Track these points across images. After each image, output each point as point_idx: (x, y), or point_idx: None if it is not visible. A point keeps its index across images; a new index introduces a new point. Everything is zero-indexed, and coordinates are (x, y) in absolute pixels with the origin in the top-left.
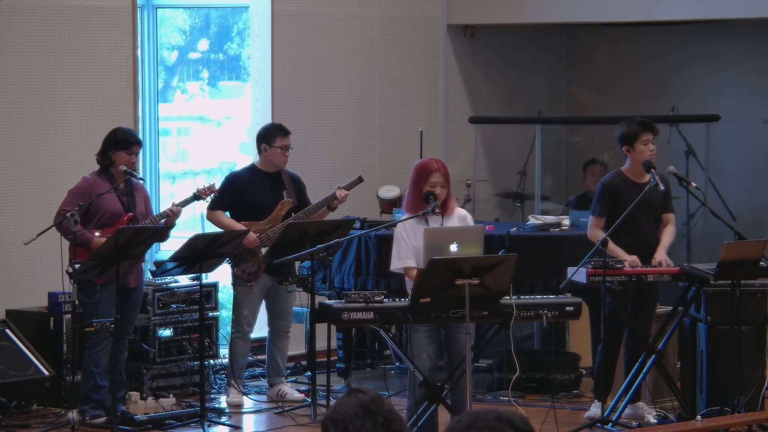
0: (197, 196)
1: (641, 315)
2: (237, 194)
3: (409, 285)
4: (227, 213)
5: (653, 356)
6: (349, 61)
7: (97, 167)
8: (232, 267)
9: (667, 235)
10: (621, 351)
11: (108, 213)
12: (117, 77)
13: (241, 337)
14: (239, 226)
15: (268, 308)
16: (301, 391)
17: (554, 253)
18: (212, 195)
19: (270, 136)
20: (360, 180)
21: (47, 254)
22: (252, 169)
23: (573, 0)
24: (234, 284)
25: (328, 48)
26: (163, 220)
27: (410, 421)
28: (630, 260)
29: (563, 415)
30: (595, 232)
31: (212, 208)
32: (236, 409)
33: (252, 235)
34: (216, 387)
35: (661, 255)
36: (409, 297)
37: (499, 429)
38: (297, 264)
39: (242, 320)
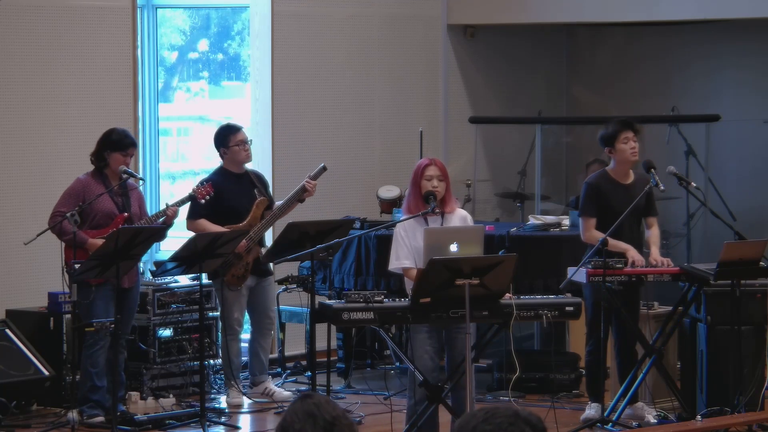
0: (193, 197)
1: (629, 316)
2: (216, 200)
3: (408, 285)
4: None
5: (653, 356)
6: (349, 61)
7: (92, 168)
8: (221, 274)
9: (657, 238)
10: (611, 352)
11: (101, 213)
12: (117, 77)
13: (234, 338)
14: (228, 233)
15: (253, 308)
16: (290, 391)
17: (554, 253)
18: (209, 195)
19: (223, 139)
20: (324, 169)
21: (47, 254)
22: (222, 172)
23: (573, 0)
24: (220, 290)
25: (328, 48)
26: (160, 219)
27: (410, 421)
28: (633, 254)
29: (563, 415)
30: (593, 233)
31: (194, 217)
32: (236, 409)
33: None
34: (216, 387)
35: (658, 255)
36: (409, 297)
37: (518, 426)
38: (297, 263)
39: (233, 322)
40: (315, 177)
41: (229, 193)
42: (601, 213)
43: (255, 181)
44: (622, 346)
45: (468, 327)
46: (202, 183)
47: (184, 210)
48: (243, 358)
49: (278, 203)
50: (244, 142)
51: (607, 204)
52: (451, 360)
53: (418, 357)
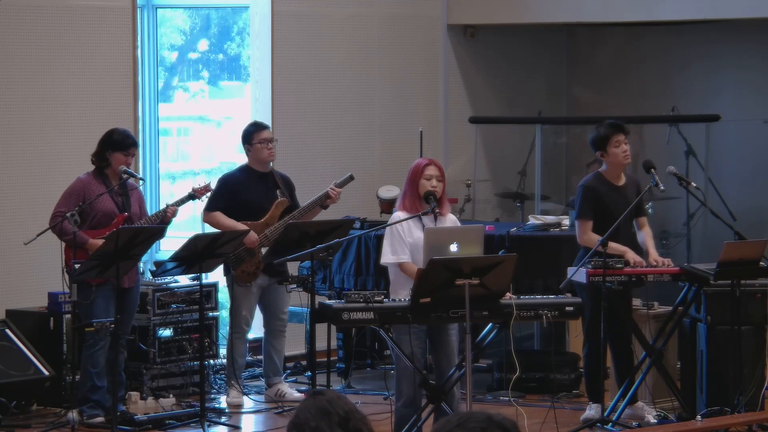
0: (192, 196)
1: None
2: (233, 195)
3: (397, 280)
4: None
5: (653, 356)
6: (349, 61)
7: (92, 168)
8: (231, 268)
9: (651, 237)
10: (608, 353)
11: (102, 213)
12: (117, 77)
13: (240, 337)
14: (240, 226)
15: (265, 308)
16: (300, 391)
17: (554, 253)
18: (208, 194)
19: (248, 136)
20: (351, 178)
21: (47, 254)
22: (245, 169)
23: (573, 0)
24: (231, 285)
25: (328, 48)
26: (158, 220)
27: (400, 422)
28: (632, 256)
29: (563, 415)
30: (590, 236)
31: (209, 209)
32: (236, 409)
33: (252, 235)
34: (216, 387)
35: (657, 254)
36: (390, 294)
37: (490, 430)
38: (297, 264)
39: (241, 320)
40: (341, 185)
41: (247, 189)
42: (597, 215)
43: (279, 182)
44: (618, 347)
45: (468, 327)
46: (222, 178)
47: (189, 209)
48: (248, 358)
49: (302, 208)
50: (268, 141)
51: (603, 206)
52: (437, 361)
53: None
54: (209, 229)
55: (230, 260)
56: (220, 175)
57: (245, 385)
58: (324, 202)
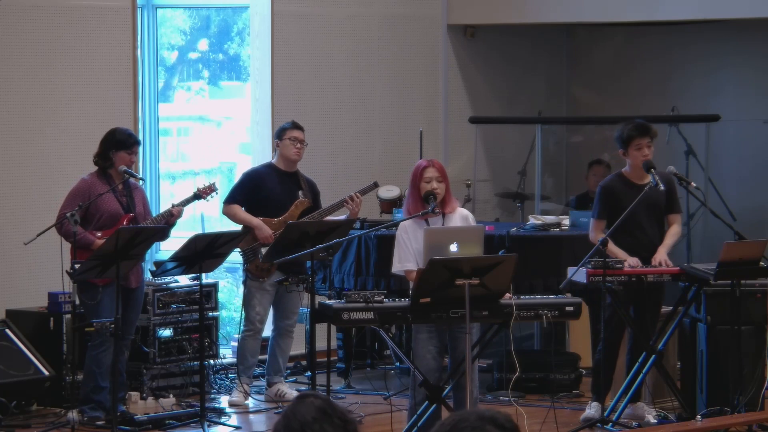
0: (197, 196)
1: (644, 317)
2: (254, 190)
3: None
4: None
5: (653, 356)
6: (349, 61)
7: (94, 168)
8: (245, 262)
9: (671, 236)
10: (622, 351)
11: (107, 214)
12: (117, 77)
13: (252, 335)
14: (256, 221)
15: (276, 306)
16: (300, 392)
17: (554, 253)
18: (213, 194)
19: (280, 132)
20: (375, 185)
21: (47, 254)
22: (270, 166)
23: (573, 0)
24: (245, 281)
25: (328, 48)
26: (163, 220)
27: (410, 421)
28: (630, 262)
29: (563, 415)
30: (598, 235)
31: (229, 201)
32: (237, 408)
33: (268, 230)
34: (216, 387)
35: (661, 255)
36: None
37: (482, 428)
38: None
39: (254, 317)
40: (363, 192)
41: (267, 186)
42: (613, 215)
43: (303, 184)
44: (635, 345)
45: (468, 327)
46: (246, 171)
47: (189, 209)
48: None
49: (322, 209)
50: (298, 140)
51: (619, 206)
52: (453, 360)
53: (421, 357)
54: (209, 229)
55: (245, 255)
56: (246, 170)
57: (261, 386)
58: (343, 206)
